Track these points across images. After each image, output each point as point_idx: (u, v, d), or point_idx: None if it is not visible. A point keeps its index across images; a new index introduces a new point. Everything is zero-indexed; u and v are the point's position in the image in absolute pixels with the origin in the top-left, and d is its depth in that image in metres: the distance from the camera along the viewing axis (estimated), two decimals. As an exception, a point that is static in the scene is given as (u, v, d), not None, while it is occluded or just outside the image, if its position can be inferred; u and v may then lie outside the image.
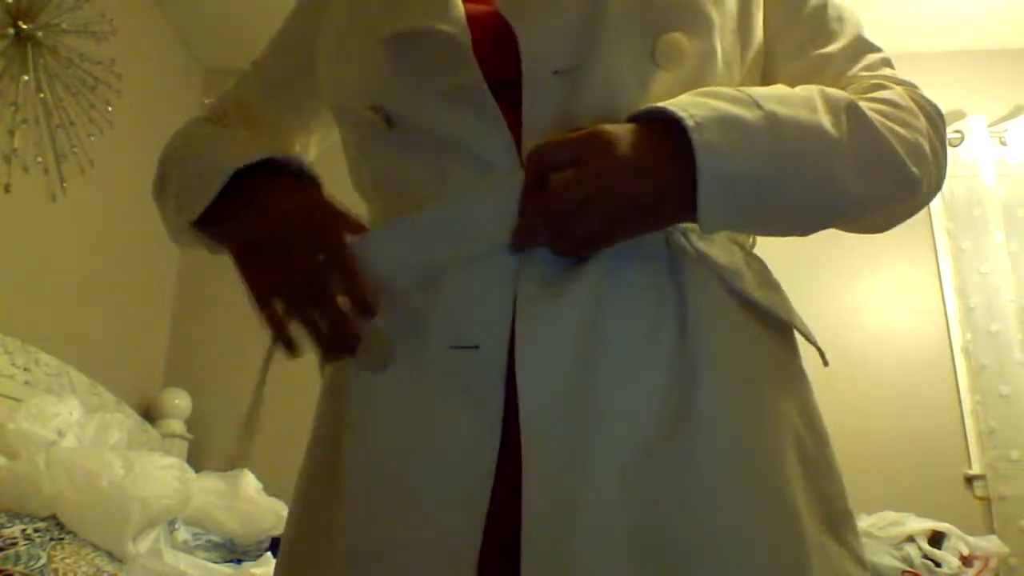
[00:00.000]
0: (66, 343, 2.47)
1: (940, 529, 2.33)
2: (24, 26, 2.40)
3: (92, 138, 2.66)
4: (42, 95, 2.48)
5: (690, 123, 0.59)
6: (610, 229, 0.61)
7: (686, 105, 0.61)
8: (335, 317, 0.63)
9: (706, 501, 0.57)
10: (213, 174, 0.70)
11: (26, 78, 2.42)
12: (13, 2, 2.38)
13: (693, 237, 0.66)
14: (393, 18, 0.69)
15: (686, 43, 0.66)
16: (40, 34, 2.45)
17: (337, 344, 0.64)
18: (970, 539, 2.35)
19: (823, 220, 0.68)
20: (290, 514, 0.73)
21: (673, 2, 0.68)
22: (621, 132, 0.60)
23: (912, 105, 0.71)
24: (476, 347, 0.61)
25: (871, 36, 0.79)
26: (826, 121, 0.63)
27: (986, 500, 2.79)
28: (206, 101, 0.91)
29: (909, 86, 0.75)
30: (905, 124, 0.68)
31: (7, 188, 2.30)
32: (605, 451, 0.58)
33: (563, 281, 0.62)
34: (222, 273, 3.06)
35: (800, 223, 0.67)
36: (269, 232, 0.65)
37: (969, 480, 2.83)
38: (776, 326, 0.69)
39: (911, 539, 2.29)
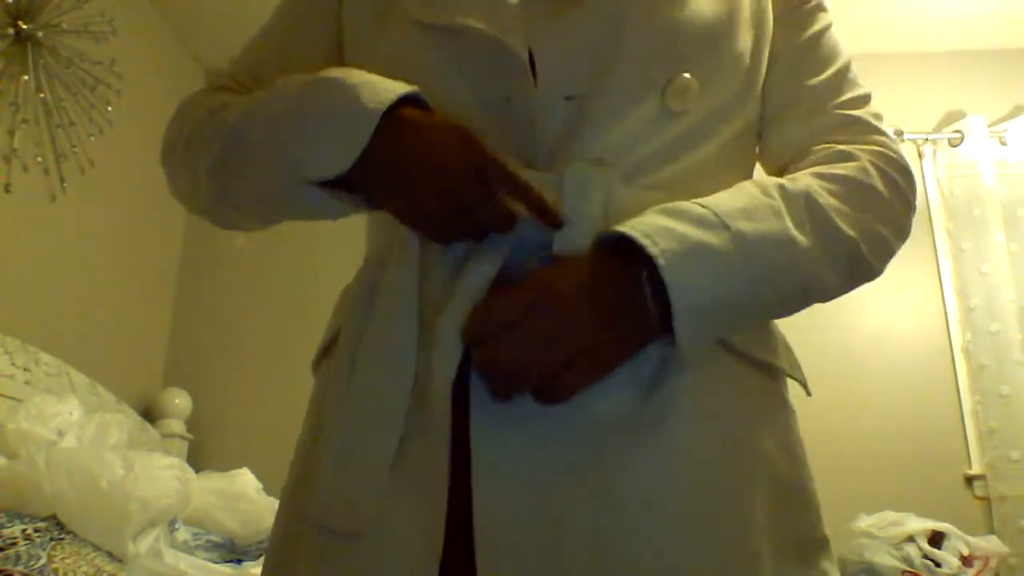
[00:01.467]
0: (66, 343, 2.46)
1: (940, 529, 2.33)
2: (24, 26, 2.40)
3: (92, 138, 2.66)
4: (42, 95, 2.48)
5: (661, 261, 0.58)
6: (559, 378, 0.59)
7: (654, 234, 0.59)
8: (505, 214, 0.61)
9: (658, 534, 0.58)
10: (351, 117, 0.62)
11: (26, 78, 2.42)
12: (13, 2, 2.38)
13: None
14: (446, 6, 0.69)
15: (696, 86, 0.67)
16: (40, 34, 2.45)
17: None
18: (970, 539, 2.35)
19: (801, 308, 0.69)
20: (274, 524, 0.73)
21: (689, 44, 0.69)
22: (563, 277, 0.60)
23: (876, 182, 0.71)
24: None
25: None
26: (792, 227, 0.64)
27: (986, 500, 2.79)
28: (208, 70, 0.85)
29: (877, 144, 0.74)
30: (865, 209, 0.69)
31: (7, 188, 2.30)
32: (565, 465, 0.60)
33: None
34: (222, 273, 3.07)
35: (780, 316, 0.70)
36: (428, 157, 0.61)
37: (969, 480, 2.83)
38: (763, 366, 0.70)
39: (911, 539, 2.29)
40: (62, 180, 2.53)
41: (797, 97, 0.77)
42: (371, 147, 0.61)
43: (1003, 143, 3.10)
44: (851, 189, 0.69)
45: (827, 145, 0.74)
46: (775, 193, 0.66)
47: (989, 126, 3.10)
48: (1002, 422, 2.81)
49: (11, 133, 2.35)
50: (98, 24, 2.65)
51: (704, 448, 0.62)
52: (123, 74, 2.78)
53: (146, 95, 2.96)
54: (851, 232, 0.67)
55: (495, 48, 0.67)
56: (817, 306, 0.74)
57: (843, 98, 0.77)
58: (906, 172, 0.74)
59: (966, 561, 2.30)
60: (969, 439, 2.88)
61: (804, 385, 0.73)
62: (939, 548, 2.29)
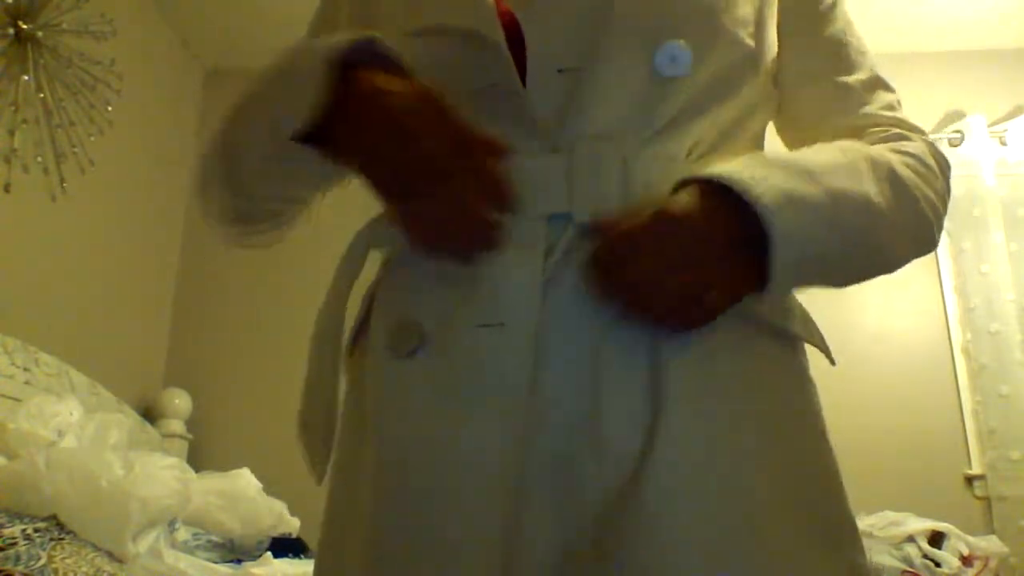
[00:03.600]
0: (66, 343, 2.46)
1: (940, 529, 2.33)
2: (24, 26, 2.40)
3: (92, 138, 2.66)
4: (42, 95, 2.48)
5: (767, 212, 0.59)
6: (688, 303, 0.60)
7: (757, 184, 0.60)
8: (474, 203, 0.59)
9: (667, 519, 0.57)
10: (312, 68, 0.60)
11: (26, 78, 2.42)
12: (13, 2, 2.38)
13: None
14: (421, 12, 0.70)
15: (688, 52, 0.66)
16: (40, 34, 2.45)
17: (478, 233, 0.61)
18: (970, 539, 2.35)
19: (862, 279, 0.71)
20: (325, 512, 0.72)
21: (678, 10, 0.68)
22: (688, 208, 0.61)
23: (933, 164, 0.74)
24: (502, 324, 0.61)
25: (870, 40, 0.82)
26: (873, 192, 0.65)
27: (986, 500, 2.79)
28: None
29: (921, 134, 0.77)
30: (931, 187, 0.72)
31: (7, 188, 2.30)
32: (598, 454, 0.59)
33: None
34: (222, 273, 3.07)
35: (842, 283, 0.69)
36: (399, 118, 0.59)
37: (969, 480, 2.83)
38: (778, 332, 0.69)
39: (911, 539, 2.29)
40: (62, 180, 2.53)
41: (840, 96, 0.77)
42: (338, 97, 0.60)
43: (1003, 143, 3.10)
44: (921, 166, 0.71)
45: (884, 128, 0.75)
46: (860, 159, 0.67)
47: (989, 126, 3.10)
48: (1002, 422, 2.81)
49: (11, 133, 2.35)
50: (98, 24, 2.65)
51: (710, 433, 0.60)
52: (123, 74, 2.78)
53: (146, 95, 2.96)
54: (924, 206, 0.70)
55: (473, 41, 0.66)
56: (817, 306, 0.74)
57: (882, 102, 0.78)
58: (948, 163, 0.77)
59: (966, 561, 2.30)
60: (969, 439, 2.88)
61: (827, 353, 0.72)
62: (939, 548, 2.29)
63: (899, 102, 0.79)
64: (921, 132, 0.77)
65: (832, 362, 0.73)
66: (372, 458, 0.64)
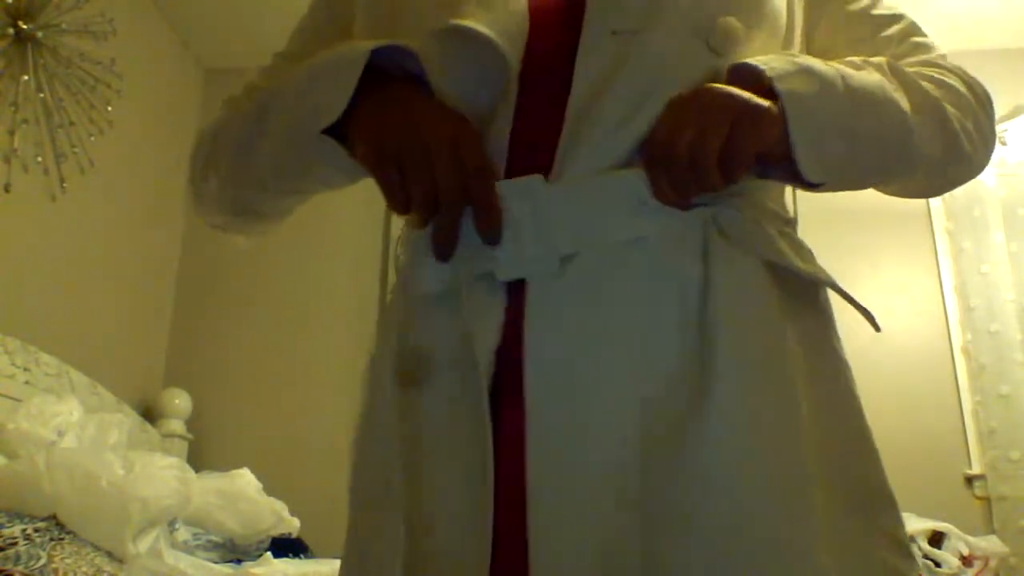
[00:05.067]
0: (66, 343, 2.46)
1: (940, 529, 2.33)
2: (24, 26, 2.40)
3: (92, 138, 2.66)
4: (42, 95, 2.48)
5: (771, 74, 0.63)
6: (735, 150, 0.62)
7: (769, 60, 0.65)
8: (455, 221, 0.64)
9: (717, 481, 0.56)
10: (343, 68, 0.66)
11: (26, 78, 2.42)
12: (13, 2, 2.38)
13: (725, 215, 0.66)
14: (446, 11, 0.69)
15: (741, 29, 0.68)
16: (40, 34, 2.45)
17: (451, 244, 0.64)
18: (970, 539, 2.35)
19: (888, 169, 0.71)
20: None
21: None
22: (710, 86, 0.64)
23: (959, 84, 0.74)
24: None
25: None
26: (889, 85, 0.68)
27: (986, 500, 2.79)
28: (225, 99, 0.87)
29: (956, 66, 0.78)
30: (956, 104, 0.72)
31: (7, 188, 2.30)
32: (609, 414, 0.59)
33: (576, 258, 0.63)
34: (222, 273, 3.07)
35: (887, 174, 0.72)
36: (414, 132, 0.63)
37: (969, 480, 2.83)
38: (808, 302, 0.69)
39: (911, 539, 2.29)
40: (62, 180, 2.53)
41: (875, 47, 0.79)
42: (362, 96, 0.65)
43: (1003, 143, 3.10)
44: (944, 87, 0.73)
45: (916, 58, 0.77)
46: (881, 65, 0.70)
47: (989, 126, 3.10)
48: (1002, 422, 2.81)
49: (11, 133, 2.35)
50: (98, 24, 2.65)
51: (761, 392, 0.60)
52: (123, 74, 2.78)
53: (146, 95, 2.96)
54: (949, 106, 0.71)
55: (487, 49, 0.66)
56: (816, 306, 0.73)
57: (916, 40, 0.80)
58: (987, 95, 0.78)
59: (966, 561, 2.30)
60: (969, 439, 2.88)
61: (871, 319, 0.72)
62: (939, 548, 2.29)
63: (933, 45, 0.81)
64: (960, 70, 0.78)
65: (877, 328, 0.72)
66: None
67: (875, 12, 0.81)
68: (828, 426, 0.63)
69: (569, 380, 0.60)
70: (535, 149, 0.66)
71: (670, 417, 0.59)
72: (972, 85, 0.76)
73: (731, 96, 0.63)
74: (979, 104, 0.75)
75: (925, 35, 0.81)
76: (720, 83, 0.65)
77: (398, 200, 0.64)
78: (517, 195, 0.64)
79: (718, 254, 0.63)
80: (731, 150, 0.61)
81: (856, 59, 0.71)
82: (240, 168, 0.75)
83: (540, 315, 0.62)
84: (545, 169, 0.64)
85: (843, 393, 0.67)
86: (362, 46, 0.66)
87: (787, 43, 0.74)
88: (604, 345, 0.61)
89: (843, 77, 0.66)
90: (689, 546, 0.55)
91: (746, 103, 0.62)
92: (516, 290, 0.64)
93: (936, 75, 0.74)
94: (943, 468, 2.83)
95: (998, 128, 2.87)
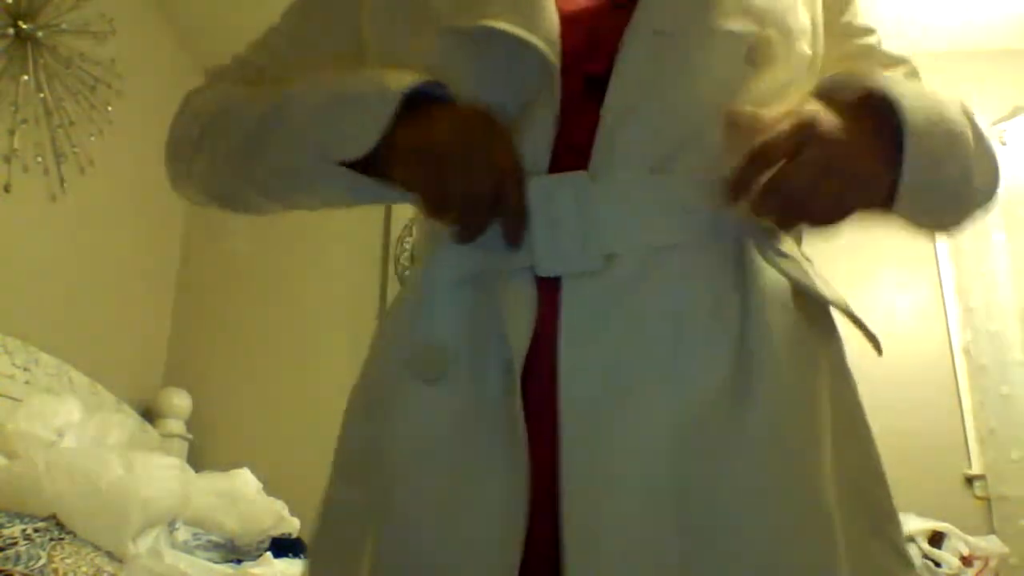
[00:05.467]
0: (66, 343, 2.46)
1: (940, 529, 2.33)
2: (24, 26, 2.40)
3: (92, 138, 2.66)
4: (42, 95, 2.48)
5: (908, 127, 0.62)
6: (840, 203, 0.63)
7: (902, 91, 0.64)
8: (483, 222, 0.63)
9: (751, 490, 0.57)
10: (372, 103, 0.65)
11: (26, 78, 2.42)
12: (13, 2, 2.38)
13: (758, 236, 0.66)
14: (472, 10, 0.68)
15: (781, 44, 0.68)
16: (40, 34, 2.45)
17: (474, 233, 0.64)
18: (970, 539, 2.35)
19: (957, 216, 0.73)
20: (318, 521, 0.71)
21: (773, 4, 0.69)
22: (830, 115, 0.63)
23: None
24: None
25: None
26: (967, 126, 0.69)
27: (986, 500, 2.79)
28: (209, 68, 0.86)
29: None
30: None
31: (7, 188, 2.30)
32: (645, 427, 0.59)
33: (610, 266, 0.63)
34: (222, 273, 3.06)
35: (944, 216, 0.73)
36: (450, 136, 0.63)
37: (969, 480, 2.83)
38: (826, 324, 0.70)
39: (911, 539, 2.29)
40: (62, 180, 2.53)
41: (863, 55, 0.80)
42: (395, 129, 0.64)
43: (1003, 143, 3.10)
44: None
45: None
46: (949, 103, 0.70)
47: (989, 126, 3.09)
48: (1002, 422, 2.81)
49: (11, 133, 2.35)
50: (98, 24, 2.65)
51: (796, 410, 0.61)
52: (123, 74, 2.78)
53: (146, 95, 2.96)
54: (994, 152, 0.73)
55: (523, 51, 0.65)
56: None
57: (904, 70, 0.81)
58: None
59: (966, 561, 2.30)
60: (969, 439, 2.88)
61: (876, 344, 0.71)
62: (939, 548, 2.29)
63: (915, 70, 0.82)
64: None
65: (879, 351, 0.73)
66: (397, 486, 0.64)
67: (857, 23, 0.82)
68: (848, 451, 0.65)
69: (605, 387, 0.60)
70: (568, 150, 0.65)
71: (706, 435, 0.59)
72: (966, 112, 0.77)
73: (862, 160, 0.63)
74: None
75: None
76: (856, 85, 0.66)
77: (439, 208, 0.64)
78: (561, 190, 0.63)
79: (754, 270, 0.64)
80: (834, 210, 0.63)
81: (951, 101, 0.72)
82: (242, 165, 0.74)
83: (575, 315, 0.62)
84: (579, 169, 0.64)
85: (860, 420, 0.69)
86: (396, 83, 0.65)
87: (809, 66, 0.74)
88: (640, 351, 0.61)
89: (953, 128, 0.66)
90: (727, 568, 0.56)
91: (873, 176, 0.63)
92: (547, 288, 0.64)
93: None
94: (943, 468, 2.82)
95: (998, 128, 2.85)
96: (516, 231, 0.63)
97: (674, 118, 0.65)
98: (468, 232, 0.63)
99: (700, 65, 0.66)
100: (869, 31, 0.82)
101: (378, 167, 0.66)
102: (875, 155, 0.63)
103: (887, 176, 0.64)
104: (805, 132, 0.61)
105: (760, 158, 0.61)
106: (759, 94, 0.67)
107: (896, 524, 0.67)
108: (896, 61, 0.81)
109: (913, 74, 0.81)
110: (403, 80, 0.65)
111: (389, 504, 0.63)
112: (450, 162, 0.62)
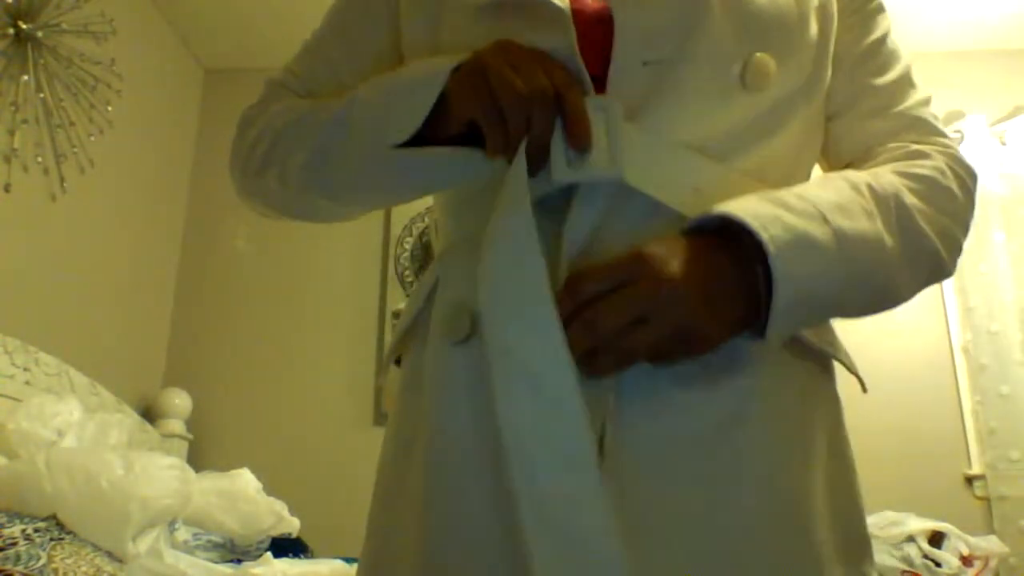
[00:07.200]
0: (66, 343, 2.46)
1: (940, 529, 2.33)
2: (24, 26, 2.40)
3: (92, 138, 2.66)
4: (42, 95, 2.48)
5: (771, 248, 0.58)
6: (658, 352, 0.59)
7: (762, 218, 0.59)
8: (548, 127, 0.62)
9: (736, 515, 0.59)
10: (424, 82, 0.67)
11: (26, 78, 2.42)
12: (13, 2, 2.38)
13: None
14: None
15: (773, 67, 0.67)
16: (40, 34, 2.45)
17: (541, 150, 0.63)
18: (970, 539, 2.35)
19: (867, 315, 0.70)
20: (369, 520, 0.72)
21: (767, 24, 0.68)
22: (669, 252, 0.59)
23: (952, 183, 0.72)
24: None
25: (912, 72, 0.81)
26: (883, 228, 0.64)
27: (986, 500, 2.79)
28: (267, 78, 0.87)
29: (946, 146, 0.75)
30: (945, 212, 0.70)
31: (7, 188, 2.30)
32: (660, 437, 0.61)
33: None
34: (222, 273, 3.07)
35: (854, 316, 0.69)
36: (502, 56, 0.63)
37: (969, 480, 2.83)
38: (821, 355, 0.71)
39: (911, 539, 2.29)
40: (62, 180, 2.53)
41: (863, 96, 0.77)
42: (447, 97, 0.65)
43: (1003, 143, 3.10)
44: (932, 190, 0.70)
45: (900, 144, 0.74)
46: (865, 190, 0.66)
47: (989, 126, 3.10)
48: (1002, 422, 2.81)
49: (11, 133, 2.35)
50: (98, 24, 2.65)
51: (783, 437, 0.63)
52: (123, 74, 2.78)
53: (146, 95, 2.96)
54: (934, 236, 0.68)
55: (542, 17, 0.67)
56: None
57: (909, 101, 0.78)
58: (972, 174, 0.75)
59: (966, 561, 2.30)
60: (969, 439, 2.88)
61: (860, 381, 0.73)
62: (939, 548, 2.29)
63: (927, 100, 0.79)
64: (943, 134, 0.77)
65: (865, 390, 0.74)
66: (417, 482, 0.65)
67: (884, 46, 0.79)
68: (832, 480, 0.66)
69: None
70: None
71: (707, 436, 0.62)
72: (963, 176, 0.74)
73: (693, 303, 0.58)
74: (967, 199, 0.73)
75: (917, 85, 0.80)
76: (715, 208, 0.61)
77: (498, 130, 0.63)
78: (596, 110, 0.63)
79: None
80: (654, 352, 0.59)
81: (860, 188, 0.66)
82: (312, 175, 0.75)
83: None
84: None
85: (844, 446, 0.71)
86: (445, 64, 0.66)
87: (817, 77, 0.73)
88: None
89: (841, 245, 0.61)
90: None
91: (706, 319, 0.58)
92: None
93: (929, 173, 0.71)
94: (943, 468, 2.82)
95: (998, 128, 2.86)
96: (583, 135, 0.61)
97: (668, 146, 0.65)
98: (533, 146, 0.61)
99: (693, 93, 0.66)
100: (896, 80, 0.78)
101: (437, 138, 0.67)
102: (727, 292, 0.59)
103: (729, 317, 0.60)
104: (626, 270, 0.58)
105: (572, 289, 0.58)
106: (757, 113, 0.67)
107: (869, 553, 0.68)
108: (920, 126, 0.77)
109: (921, 104, 0.78)
110: (452, 60, 0.66)
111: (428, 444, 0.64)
112: (504, 70, 0.62)
